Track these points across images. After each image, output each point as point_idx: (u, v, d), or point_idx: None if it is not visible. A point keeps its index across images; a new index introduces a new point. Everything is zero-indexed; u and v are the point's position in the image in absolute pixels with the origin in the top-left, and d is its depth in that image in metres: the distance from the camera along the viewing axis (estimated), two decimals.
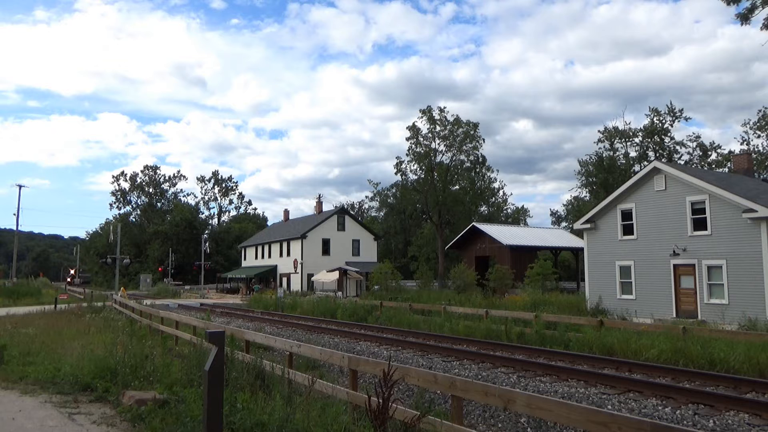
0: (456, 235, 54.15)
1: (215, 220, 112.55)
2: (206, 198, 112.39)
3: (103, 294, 46.06)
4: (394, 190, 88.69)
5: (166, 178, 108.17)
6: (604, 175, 63.25)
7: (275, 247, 65.38)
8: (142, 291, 67.13)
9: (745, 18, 23.32)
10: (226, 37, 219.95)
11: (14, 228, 63.17)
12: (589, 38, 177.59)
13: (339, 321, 27.65)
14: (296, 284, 57.50)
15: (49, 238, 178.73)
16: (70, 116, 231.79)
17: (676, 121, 62.16)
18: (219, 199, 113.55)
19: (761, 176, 52.75)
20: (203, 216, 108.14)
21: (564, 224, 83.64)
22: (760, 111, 60.77)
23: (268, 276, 65.15)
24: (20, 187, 59.77)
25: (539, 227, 67.63)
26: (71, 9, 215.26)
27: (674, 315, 24.92)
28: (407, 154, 67.90)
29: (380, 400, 4.91)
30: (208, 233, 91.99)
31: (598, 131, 67.43)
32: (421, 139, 66.95)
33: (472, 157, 69.31)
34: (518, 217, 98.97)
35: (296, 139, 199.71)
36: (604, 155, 64.85)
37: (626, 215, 28.31)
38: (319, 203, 68.58)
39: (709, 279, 24.32)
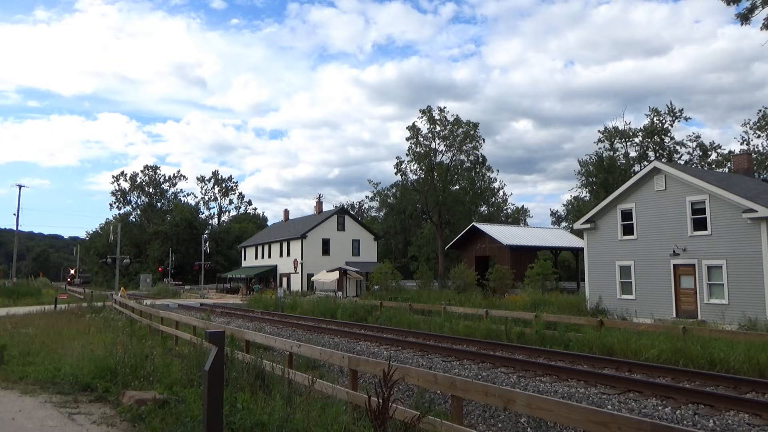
0: (456, 235, 54.15)
1: (215, 220, 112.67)
2: (206, 198, 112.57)
3: (103, 294, 46.07)
4: (394, 190, 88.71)
5: (166, 178, 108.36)
6: (604, 175, 63.25)
7: (275, 247, 65.38)
8: (142, 291, 67.12)
9: (745, 18, 23.32)
10: (226, 37, 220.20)
11: (14, 228, 63.22)
12: (589, 38, 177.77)
13: (339, 321, 27.65)
14: (296, 284, 57.50)
15: (49, 238, 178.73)
16: (70, 116, 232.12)
17: (676, 121, 62.23)
18: (219, 199, 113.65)
19: (761, 176, 52.74)
20: (203, 216, 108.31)
21: (564, 224, 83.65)
22: (760, 111, 60.85)
23: (268, 276, 65.14)
24: (20, 187, 59.89)
25: (539, 227, 67.67)
26: (71, 9, 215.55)
27: (674, 315, 24.91)
28: (407, 154, 67.98)
29: (380, 400, 4.91)
30: (208, 233, 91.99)
31: (598, 131, 67.53)
32: (421, 139, 66.98)
33: (472, 157, 69.35)
34: (518, 217, 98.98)
35: (296, 139, 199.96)
36: (604, 155, 64.86)
37: (626, 215, 28.31)
38: (319, 203, 68.61)
39: (709, 279, 24.32)
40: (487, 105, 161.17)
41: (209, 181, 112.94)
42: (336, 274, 50.30)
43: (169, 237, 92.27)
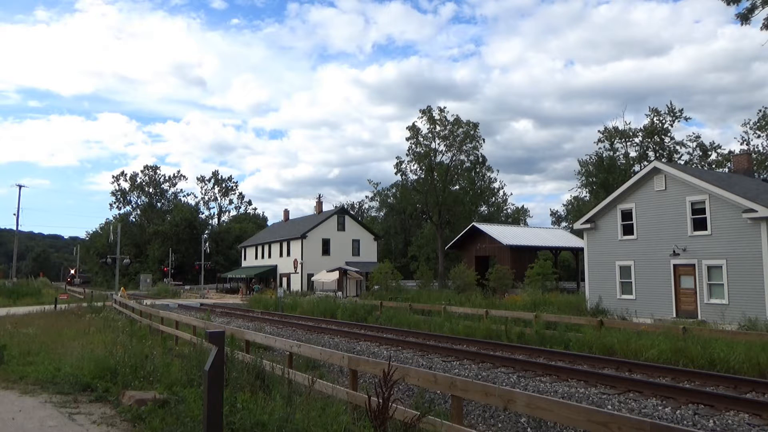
0: (456, 235, 54.13)
1: (215, 220, 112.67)
2: (206, 198, 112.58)
3: (103, 294, 46.08)
4: (394, 190, 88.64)
5: (166, 178, 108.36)
6: (604, 175, 63.21)
7: (275, 247, 65.38)
8: (142, 291, 67.13)
9: (745, 18, 23.32)
10: (227, 37, 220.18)
11: (14, 228, 63.22)
12: (589, 38, 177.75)
13: (339, 321, 27.66)
14: (296, 284, 57.50)
15: (49, 238, 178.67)
16: (70, 116, 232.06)
17: (676, 121, 62.14)
18: (219, 199, 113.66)
19: (761, 176, 52.71)
20: (203, 216, 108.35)
21: (564, 224, 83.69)
22: (760, 111, 60.78)
23: (268, 276, 65.15)
24: (20, 187, 59.92)
25: (539, 227, 67.68)
26: (72, 9, 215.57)
27: (674, 315, 24.91)
28: (407, 154, 67.92)
29: (380, 400, 4.92)
30: (208, 233, 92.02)
31: (598, 131, 67.47)
32: (421, 139, 66.93)
33: (472, 157, 69.31)
34: (518, 217, 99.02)
35: (296, 139, 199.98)
36: (604, 155, 64.81)
37: (626, 215, 28.31)
38: (319, 203, 68.61)
39: (709, 279, 24.31)
40: (487, 105, 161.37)
41: (209, 181, 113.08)
42: (336, 274, 50.30)
43: (169, 237, 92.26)
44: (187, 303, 43.90)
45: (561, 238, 53.66)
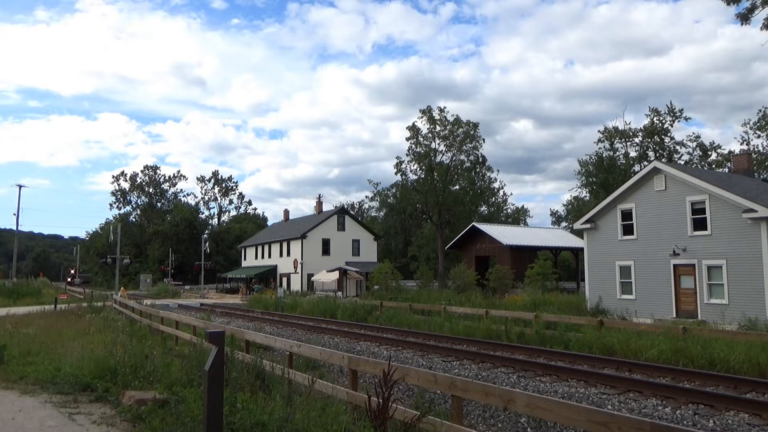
0: (456, 235, 54.13)
1: (215, 220, 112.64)
2: (206, 198, 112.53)
3: (103, 294, 46.07)
4: (394, 190, 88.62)
5: (166, 178, 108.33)
6: (604, 175, 63.20)
7: (275, 247, 65.38)
8: (142, 291, 67.12)
9: (745, 18, 23.32)
10: (227, 37, 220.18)
11: (14, 228, 63.22)
12: (589, 38, 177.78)
13: (339, 321, 27.65)
14: (296, 284, 57.49)
15: (49, 238, 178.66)
16: (70, 116, 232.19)
17: (676, 121, 62.14)
18: (219, 199, 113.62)
19: (761, 176, 52.71)
20: (203, 216, 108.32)
21: (564, 224, 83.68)
22: (760, 111, 60.77)
23: (268, 276, 65.14)
24: (20, 187, 59.93)
25: (539, 227, 67.67)
26: (72, 9, 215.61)
27: (674, 315, 24.91)
28: (407, 154, 67.91)
29: (380, 400, 4.91)
30: (208, 233, 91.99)
31: (598, 131, 67.46)
32: (421, 139, 66.93)
33: (472, 157, 69.30)
34: (518, 217, 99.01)
35: (296, 139, 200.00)
36: (604, 155, 64.81)
37: (626, 215, 28.31)
38: (319, 203, 68.60)
39: (709, 279, 24.31)
40: (487, 105, 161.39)
41: (209, 181, 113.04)
42: (336, 274, 50.29)
43: (169, 237, 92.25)
44: (187, 303, 43.90)
45: (561, 238, 53.65)
